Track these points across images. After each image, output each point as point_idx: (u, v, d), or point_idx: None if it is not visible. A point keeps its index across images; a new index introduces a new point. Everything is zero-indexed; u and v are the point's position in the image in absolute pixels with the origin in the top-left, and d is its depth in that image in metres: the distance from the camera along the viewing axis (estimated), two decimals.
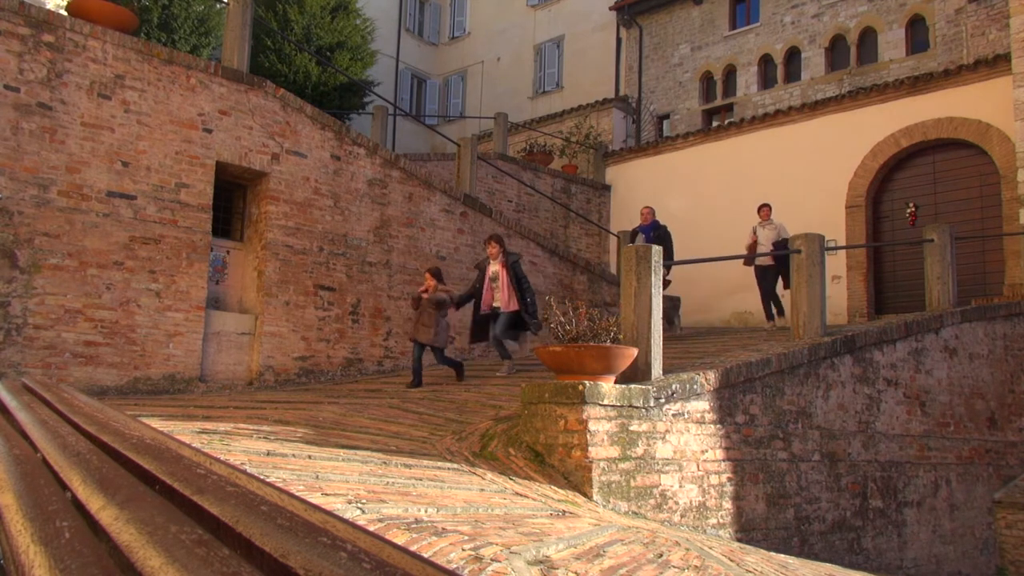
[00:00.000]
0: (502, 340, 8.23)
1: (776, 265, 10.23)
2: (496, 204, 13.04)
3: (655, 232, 10.45)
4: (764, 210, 10.48)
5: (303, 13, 15.46)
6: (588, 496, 4.43)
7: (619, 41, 18.84)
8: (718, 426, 5.39)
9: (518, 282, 8.27)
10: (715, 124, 16.29)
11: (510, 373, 8.19)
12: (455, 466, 4.31)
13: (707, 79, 17.25)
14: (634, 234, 10.76)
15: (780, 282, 10.25)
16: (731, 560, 3.71)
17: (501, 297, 8.20)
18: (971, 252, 11.13)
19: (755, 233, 10.42)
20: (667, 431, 5.03)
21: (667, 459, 4.99)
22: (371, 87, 15.99)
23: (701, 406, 5.30)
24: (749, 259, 10.47)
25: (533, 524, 3.29)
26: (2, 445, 2.29)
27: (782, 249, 9.62)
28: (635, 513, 4.64)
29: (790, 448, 5.89)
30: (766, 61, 16.38)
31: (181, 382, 7.41)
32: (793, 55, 15.99)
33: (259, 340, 8.10)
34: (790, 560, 4.63)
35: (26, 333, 6.58)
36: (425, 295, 7.96)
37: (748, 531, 5.41)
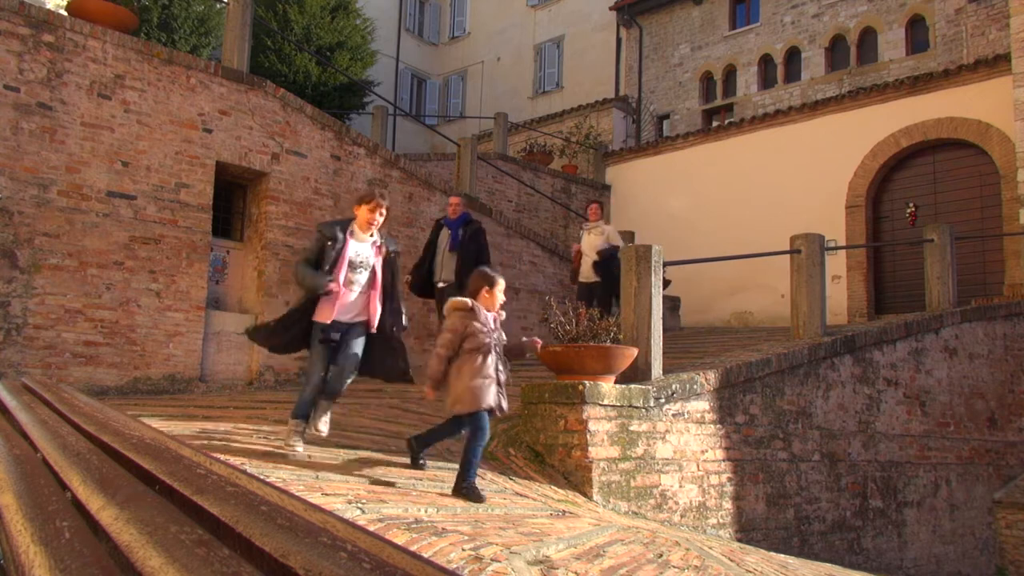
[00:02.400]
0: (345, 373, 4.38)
1: (603, 282, 8.10)
2: (496, 204, 13.04)
3: (465, 230, 7.69)
4: (592, 208, 8.45)
5: (303, 13, 15.45)
6: (588, 496, 4.43)
7: (619, 41, 18.84)
8: (718, 426, 5.39)
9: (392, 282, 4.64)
10: (715, 124, 16.29)
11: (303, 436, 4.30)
12: (455, 466, 4.30)
13: (707, 79, 17.25)
14: (437, 228, 7.95)
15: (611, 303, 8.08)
16: (731, 560, 3.71)
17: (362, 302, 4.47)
18: (971, 252, 11.13)
19: (579, 239, 8.42)
20: (667, 431, 5.03)
21: (667, 459, 4.99)
22: (371, 87, 15.99)
23: (701, 406, 5.30)
24: (573, 275, 8.46)
25: (533, 524, 3.29)
26: (2, 445, 2.29)
27: (609, 259, 7.86)
28: (635, 513, 4.64)
29: (790, 448, 5.89)
30: (766, 61, 16.38)
31: (181, 382, 7.41)
32: (793, 55, 15.99)
33: None
34: (790, 560, 4.63)
35: (26, 333, 6.58)
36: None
37: (748, 531, 5.41)
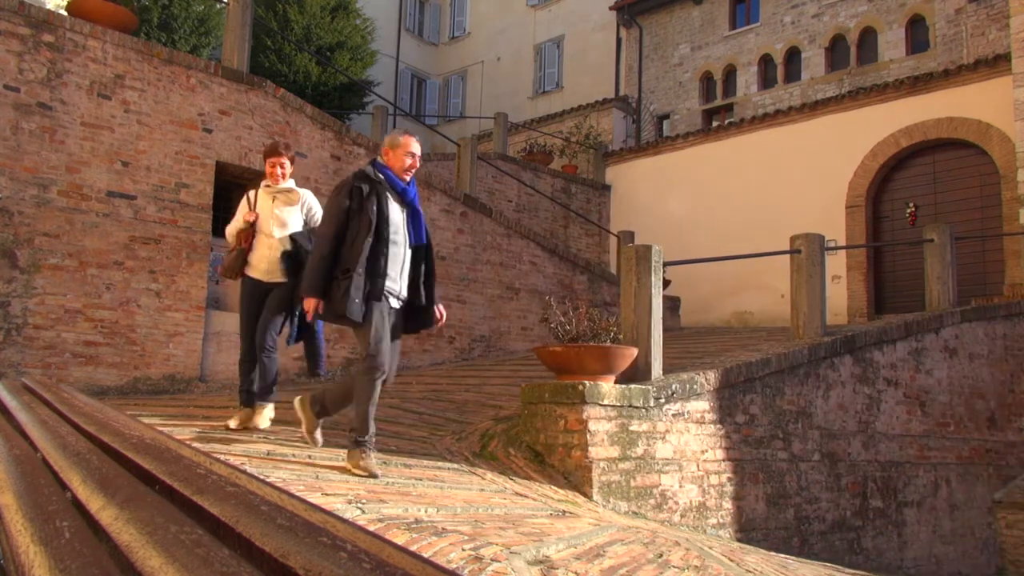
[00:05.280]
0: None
1: (288, 285, 4.78)
2: (496, 204, 13.04)
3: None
4: (276, 159, 4.90)
5: (303, 13, 15.45)
6: (588, 496, 4.43)
7: (619, 41, 18.84)
8: (718, 426, 5.38)
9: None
10: (715, 124, 16.29)
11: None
12: (455, 466, 4.31)
13: (707, 79, 17.25)
14: (376, 189, 4.00)
15: (290, 326, 4.95)
16: (731, 560, 3.71)
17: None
18: (971, 252, 11.13)
19: (251, 206, 4.98)
20: (667, 431, 5.03)
21: (667, 459, 4.99)
22: (371, 87, 15.99)
23: (701, 406, 5.30)
24: (232, 268, 4.94)
25: (533, 524, 3.29)
26: (2, 445, 2.29)
27: (300, 246, 4.81)
28: (635, 513, 4.64)
29: (790, 448, 5.89)
30: (766, 61, 16.38)
31: (181, 382, 7.41)
32: (793, 55, 15.99)
33: None
34: (790, 560, 4.63)
35: (26, 333, 6.58)
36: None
37: (748, 531, 5.41)
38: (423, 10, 23.42)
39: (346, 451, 3.92)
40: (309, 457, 4.00)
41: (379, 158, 4.18)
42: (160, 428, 3.39)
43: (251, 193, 5.04)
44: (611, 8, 18.78)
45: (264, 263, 4.89)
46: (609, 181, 15.88)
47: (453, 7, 23.41)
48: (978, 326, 7.88)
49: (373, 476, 3.71)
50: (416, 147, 4.16)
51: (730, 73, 16.90)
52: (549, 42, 20.66)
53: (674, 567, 3.07)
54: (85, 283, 6.93)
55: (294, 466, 3.69)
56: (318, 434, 4.35)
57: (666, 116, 17.68)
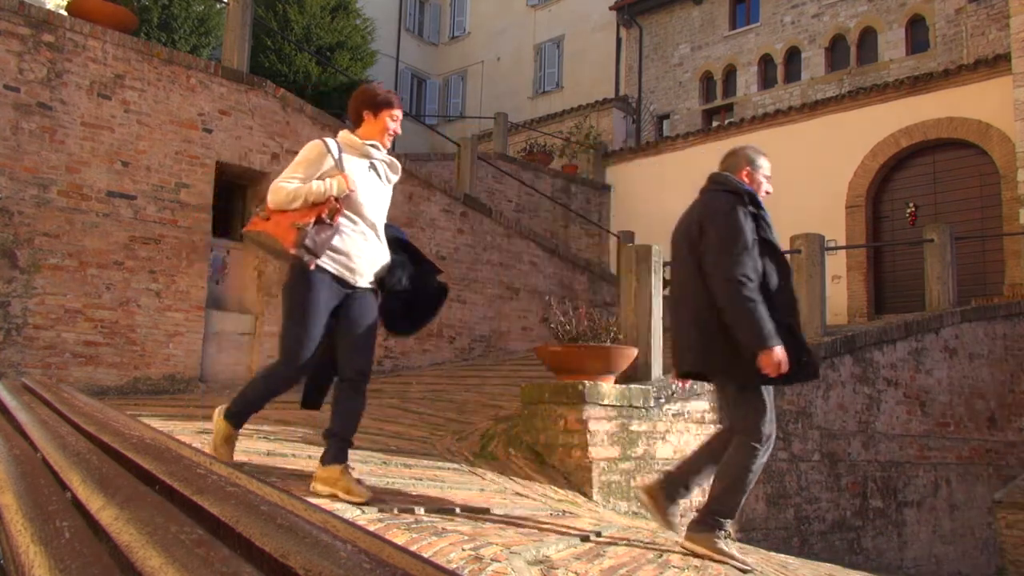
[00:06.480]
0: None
1: (401, 296, 3.39)
2: (496, 204, 13.04)
3: None
4: (392, 112, 3.30)
5: (303, 13, 15.45)
6: (588, 496, 4.43)
7: (619, 41, 18.84)
8: (718, 426, 5.38)
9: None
10: (715, 124, 16.29)
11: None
12: (455, 466, 4.31)
13: (707, 79, 17.25)
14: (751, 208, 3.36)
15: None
16: None
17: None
18: (971, 252, 11.12)
19: (345, 171, 3.18)
20: (667, 431, 5.03)
21: (667, 459, 4.99)
22: None
23: (701, 406, 5.30)
24: (320, 249, 3.12)
25: (533, 524, 3.29)
26: (2, 445, 2.29)
27: (411, 252, 3.48)
28: (635, 513, 4.64)
29: (790, 448, 5.89)
30: (766, 61, 16.38)
31: (181, 382, 7.41)
32: (793, 55, 15.99)
33: (259, 340, 8.09)
34: (790, 560, 4.63)
35: (26, 333, 6.58)
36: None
37: (748, 531, 5.41)
38: (423, 10, 23.43)
39: (691, 529, 3.28)
40: (309, 457, 4.00)
41: (734, 175, 3.48)
42: (160, 428, 3.39)
43: (332, 144, 3.28)
44: (611, 8, 18.78)
45: (361, 262, 3.26)
46: (609, 181, 15.87)
47: (453, 7, 23.41)
48: (978, 326, 7.88)
49: (744, 570, 3.14)
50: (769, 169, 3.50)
51: (730, 73, 16.89)
52: (549, 42, 20.66)
53: (674, 567, 3.07)
54: (85, 283, 6.93)
55: (294, 466, 3.67)
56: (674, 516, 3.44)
57: (666, 116, 17.68)
